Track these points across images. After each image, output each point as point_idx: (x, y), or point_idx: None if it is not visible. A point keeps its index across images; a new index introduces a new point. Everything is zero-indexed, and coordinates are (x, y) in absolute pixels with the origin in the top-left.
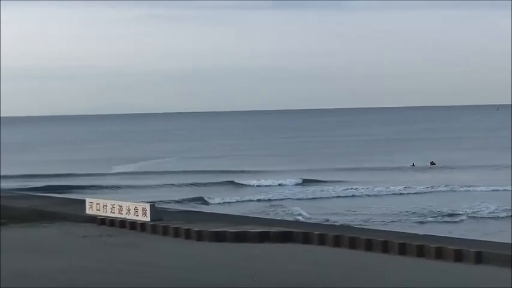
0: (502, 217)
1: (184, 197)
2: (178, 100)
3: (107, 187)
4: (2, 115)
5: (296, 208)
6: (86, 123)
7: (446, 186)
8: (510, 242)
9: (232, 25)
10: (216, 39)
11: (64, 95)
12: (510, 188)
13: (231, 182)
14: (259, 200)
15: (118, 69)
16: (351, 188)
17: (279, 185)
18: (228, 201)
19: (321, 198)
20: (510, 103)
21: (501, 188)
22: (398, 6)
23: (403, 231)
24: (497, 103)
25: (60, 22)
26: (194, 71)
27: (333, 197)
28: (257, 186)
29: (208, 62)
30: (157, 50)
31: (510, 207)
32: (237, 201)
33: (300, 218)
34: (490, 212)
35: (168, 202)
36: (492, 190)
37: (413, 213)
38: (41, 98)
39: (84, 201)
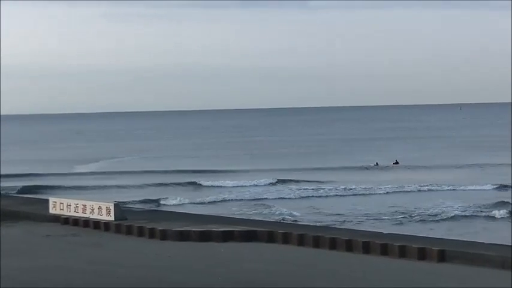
0: (466, 216)
1: (137, 199)
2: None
3: (63, 187)
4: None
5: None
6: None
7: (410, 185)
8: (472, 240)
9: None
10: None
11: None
12: (473, 188)
13: (193, 183)
14: (223, 200)
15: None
16: (323, 189)
17: (241, 186)
18: (187, 202)
19: (290, 198)
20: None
21: (463, 188)
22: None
23: (367, 229)
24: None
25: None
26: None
27: (302, 197)
28: (218, 186)
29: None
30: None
31: (472, 206)
32: (201, 203)
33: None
34: (454, 211)
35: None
36: (455, 189)
37: (378, 212)
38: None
39: (47, 201)
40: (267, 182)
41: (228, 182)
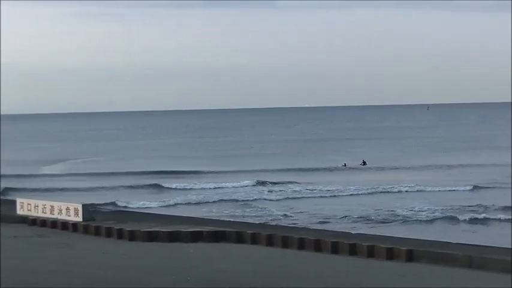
0: (434, 216)
1: (106, 201)
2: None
3: (30, 189)
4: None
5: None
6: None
7: (378, 186)
8: (440, 240)
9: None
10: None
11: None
12: (441, 189)
13: (156, 185)
14: (189, 203)
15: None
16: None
17: (206, 188)
18: (156, 205)
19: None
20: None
21: (432, 188)
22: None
23: (336, 230)
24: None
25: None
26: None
27: (276, 199)
28: (184, 189)
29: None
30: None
31: (441, 206)
32: (172, 205)
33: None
34: (422, 212)
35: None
36: (423, 190)
37: (347, 213)
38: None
39: (14, 202)
40: (239, 184)
41: (195, 184)
